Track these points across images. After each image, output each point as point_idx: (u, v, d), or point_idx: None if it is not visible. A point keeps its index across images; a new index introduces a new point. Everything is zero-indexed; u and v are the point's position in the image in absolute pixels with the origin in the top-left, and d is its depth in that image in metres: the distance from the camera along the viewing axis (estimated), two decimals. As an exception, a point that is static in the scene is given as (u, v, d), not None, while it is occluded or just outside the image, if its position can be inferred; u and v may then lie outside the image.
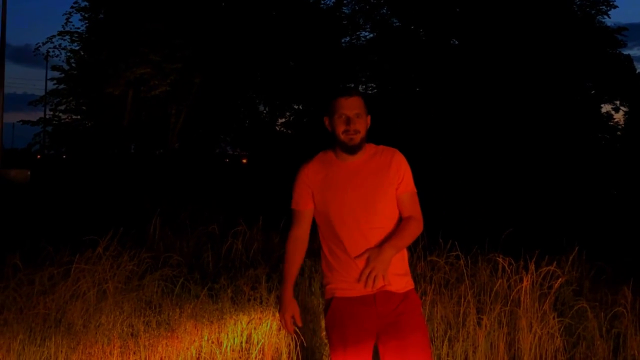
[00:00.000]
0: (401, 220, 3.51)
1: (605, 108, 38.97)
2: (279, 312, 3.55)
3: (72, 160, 37.84)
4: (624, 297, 6.04)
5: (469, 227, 11.01)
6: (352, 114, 3.44)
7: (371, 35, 39.01)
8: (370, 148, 3.55)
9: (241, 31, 31.09)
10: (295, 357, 5.32)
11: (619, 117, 40.03)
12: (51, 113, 40.14)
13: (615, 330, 5.73)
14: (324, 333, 5.56)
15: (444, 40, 35.67)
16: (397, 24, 37.38)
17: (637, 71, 38.88)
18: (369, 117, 3.53)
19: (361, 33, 39.67)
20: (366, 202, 3.43)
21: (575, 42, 32.77)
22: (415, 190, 3.54)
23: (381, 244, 3.39)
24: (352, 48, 38.93)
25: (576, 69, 33.19)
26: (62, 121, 39.14)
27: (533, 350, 5.34)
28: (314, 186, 3.53)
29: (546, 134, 31.00)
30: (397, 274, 3.46)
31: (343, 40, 39.45)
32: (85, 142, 36.00)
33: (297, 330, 3.48)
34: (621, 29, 36.98)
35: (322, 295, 3.66)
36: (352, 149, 3.45)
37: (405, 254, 3.56)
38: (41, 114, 43.56)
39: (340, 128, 3.44)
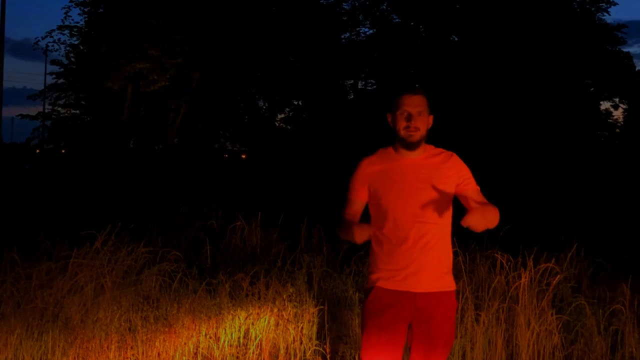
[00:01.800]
0: (447, 225, 3.62)
1: (605, 105, 38.99)
2: (355, 232, 3.43)
3: (71, 155, 37.81)
4: (622, 294, 6.04)
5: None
6: (415, 111, 3.54)
7: (371, 31, 39.01)
8: (430, 149, 3.67)
9: (241, 27, 31.05)
10: (292, 353, 5.32)
11: (618, 114, 40.08)
12: (50, 107, 40.18)
13: (614, 328, 5.73)
14: (327, 325, 5.56)
15: (444, 36, 35.63)
16: (397, 20, 37.35)
17: (637, 69, 38.87)
18: (431, 117, 3.63)
19: (361, 29, 39.64)
20: (420, 197, 3.53)
21: (574, 39, 32.73)
22: (478, 188, 3.66)
23: (427, 241, 3.52)
24: (352, 44, 38.87)
25: (576, 66, 33.15)
26: (61, 115, 39.13)
27: (531, 347, 5.34)
28: (370, 178, 3.64)
29: (545, 130, 30.99)
30: (442, 272, 3.61)
31: (343, 36, 39.41)
32: (84, 136, 35.96)
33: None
34: (621, 26, 36.94)
35: (363, 285, 3.73)
36: (411, 145, 3.56)
37: (450, 252, 3.69)
38: (40, 108, 43.60)
39: (401, 124, 3.54)
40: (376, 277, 3.61)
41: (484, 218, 3.38)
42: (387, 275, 3.58)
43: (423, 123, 3.55)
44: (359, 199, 3.70)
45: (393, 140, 3.64)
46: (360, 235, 3.41)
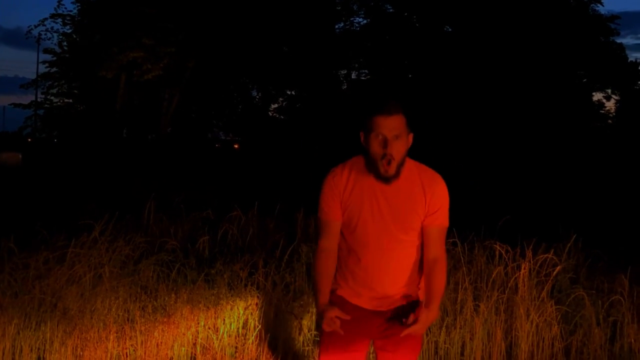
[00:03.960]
0: (420, 247, 3.30)
1: (597, 96, 39.12)
2: (323, 325, 3.19)
3: (64, 144, 37.65)
4: (621, 285, 6.04)
5: (465, 214, 11.01)
6: (391, 135, 3.11)
7: (365, 21, 38.93)
8: (409, 165, 3.27)
9: (235, 16, 30.92)
10: (292, 343, 5.31)
11: (610, 105, 40.26)
12: (43, 96, 39.96)
13: (612, 318, 5.73)
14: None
15: (437, 27, 35.58)
16: (391, 10, 37.28)
17: (629, 60, 38.99)
18: (410, 136, 3.22)
19: (355, 19, 39.57)
20: (393, 225, 3.21)
21: (568, 30, 32.75)
22: (446, 225, 3.30)
23: (394, 269, 3.26)
24: (346, 34, 38.79)
25: (569, 57, 33.18)
26: (54, 104, 38.95)
27: (530, 338, 5.35)
28: (343, 194, 3.28)
29: (540, 122, 31.03)
30: (406, 293, 3.34)
31: (337, 26, 39.33)
32: (78, 125, 35.81)
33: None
34: (614, 17, 36.99)
35: None
36: (387, 180, 3.19)
37: (420, 268, 3.35)
38: (33, 97, 43.26)
39: (377, 150, 3.14)
40: (336, 287, 3.36)
41: (425, 325, 3.17)
42: (348, 291, 3.34)
43: (401, 148, 3.14)
44: (336, 219, 3.29)
45: (366, 155, 3.24)
46: (329, 327, 3.15)
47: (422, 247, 3.30)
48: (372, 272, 3.26)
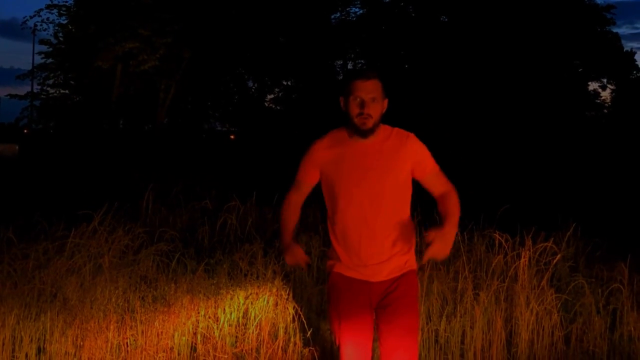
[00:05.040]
0: (405, 208, 3.57)
1: (593, 86, 39.21)
2: (285, 258, 3.63)
3: (61, 135, 37.52)
4: (620, 273, 6.05)
5: (464, 203, 11.00)
6: (368, 97, 3.40)
7: (361, 11, 38.84)
8: (384, 130, 3.53)
9: (231, 6, 30.82)
10: (292, 332, 5.30)
11: (605, 95, 40.36)
12: (39, 87, 39.76)
13: (612, 307, 5.74)
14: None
15: (433, 17, 35.52)
16: (387, 0, 37.21)
17: (625, 49, 39.05)
18: (385, 101, 3.50)
19: (351, 9, 39.48)
20: (374, 185, 3.44)
21: (564, 19, 32.73)
22: (437, 167, 3.56)
23: (382, 230, 3.46)
24: (342, 24, 38.71)
25: (564, 46, 33.17)
26: (50, 95, 38.78)
27: (530, 326, 5.35)
28: (323, 163, 3.55)
29: (537, 111, 31.04)
30: (399, 257, 3.52)
31: (333, 17, 39.24)
32: (74, 116, 35.66)
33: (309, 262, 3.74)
34: (610, 7, 36.97)
35: (324, 266, 3.70)
36: (364, 133, 3.44)
37: (410, 233, 3.59)
38: (29, 88, 42.99)
39: (354, 111, 3.42)
40: (333, 263, 3.61)
41: (445, 244, 3.35)
42: (343, 263, 3.55)
43: (377, 109, 3.42)
44: (308, 182, 3.65)
45: (346, 122, 3.52)
46: (291, 260, 3.58)
47: (408, 216, 3.58)
48: (361, 237, 3.47)
